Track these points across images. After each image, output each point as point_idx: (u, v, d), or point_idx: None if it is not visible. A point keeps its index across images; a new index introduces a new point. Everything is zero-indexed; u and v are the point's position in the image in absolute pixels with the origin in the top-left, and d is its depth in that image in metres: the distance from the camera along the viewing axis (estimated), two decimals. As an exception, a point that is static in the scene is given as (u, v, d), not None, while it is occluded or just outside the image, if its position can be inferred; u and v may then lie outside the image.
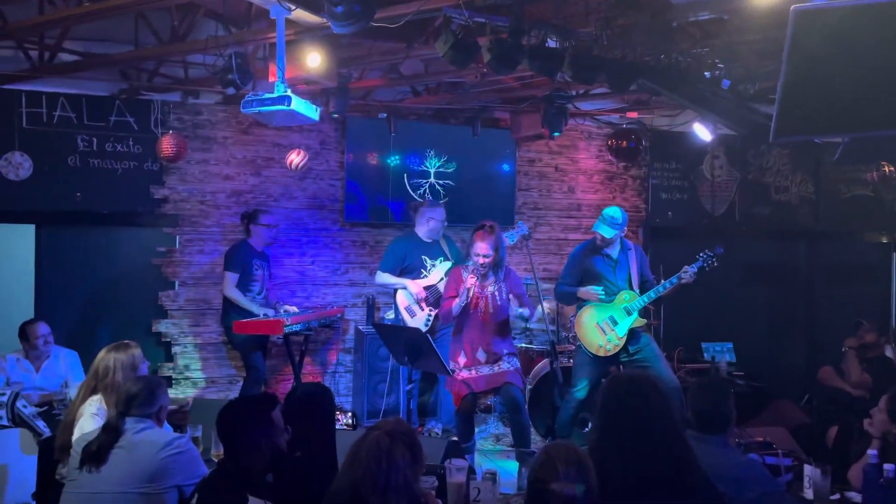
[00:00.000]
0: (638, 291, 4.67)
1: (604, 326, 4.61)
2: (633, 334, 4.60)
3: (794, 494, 2.86)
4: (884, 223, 7.82)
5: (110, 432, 2.66)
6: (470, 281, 4.27)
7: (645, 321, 4.70)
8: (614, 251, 4.70)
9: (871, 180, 6.74)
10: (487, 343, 4.34)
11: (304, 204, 6.12)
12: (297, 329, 5.14)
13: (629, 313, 4.59)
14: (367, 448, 1.92)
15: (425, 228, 5.34)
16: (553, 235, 6.85)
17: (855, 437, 3.84)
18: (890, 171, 6.48)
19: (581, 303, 4.73)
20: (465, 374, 4.33)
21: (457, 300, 4.27)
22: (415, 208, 5.61)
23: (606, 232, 4.61)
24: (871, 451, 2.91)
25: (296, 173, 5.90)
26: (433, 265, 5.30)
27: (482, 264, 4.25)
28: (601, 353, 4.60)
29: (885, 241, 7.87)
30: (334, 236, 6.21)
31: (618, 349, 4.58)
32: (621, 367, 4.79)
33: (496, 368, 4.34)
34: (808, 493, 2.92)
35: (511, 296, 4.39)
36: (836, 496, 2.93)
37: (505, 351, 4.39)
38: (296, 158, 5.57)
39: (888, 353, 5.98)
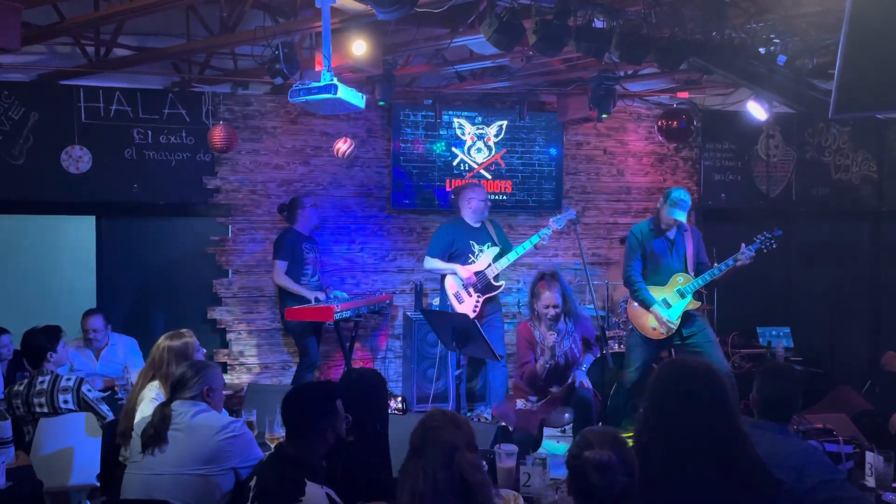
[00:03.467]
0: (693, 274, 4.58)
1: (656, 315, 4.53)
2: (687, 317, 4.52)
3: (855, 482, 2.76)
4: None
5: (160, 417, 2.73)
6: (551, 339, 4.06)
7: (699, 303, 4.63)
8: (672, 232, 4.62)
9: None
10: (562, 383, 4.26)
11: (351, 192, 6.17)
12: (347, 315, 5.21)
13: (682, 296, 4.53)
14: (468, 470, 2.05)
15: (469, 211, 5.30)
16: (602, 220, 6.76)
17: (921, 424, 3.71)
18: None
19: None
20: (537, 406, 4.15)
21: (540, 362, 4.09)
22: (456, 193, 5.60)
23: (683, 217, 4.52)
24: (938, 439, 2.80)
25: (343, 161, 5.95)
26: (481, 250, 5.28)
27: (553, 313, 4.10)
28: (654, 336, 4.55)
29: (953, 221, 7.52)
30: (382, 223, 6.25)
31: (671, 332, 4.52)
32: (674, 350, 4.73)
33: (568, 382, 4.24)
34: (870, 481, 2.83)
35: (585, 341, 4.28)
36: (900, 484, 2.83)
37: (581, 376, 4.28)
38: (342, 147, 5.61)
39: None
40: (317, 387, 2.62)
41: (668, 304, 4.54)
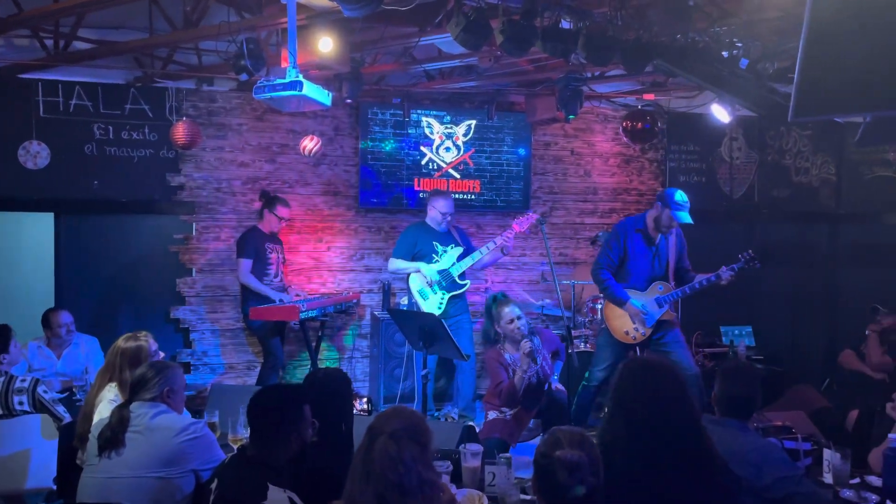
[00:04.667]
0: (672, 282, 4.55)
1: (631, 317, 4.53)
2: (659, 324, 4.52)
3: (813, 479, 2.82)
4: (907, 205, 7.68)
5: (117, 418, 2.67)
6: (527, 345, 3.90)
7: (674, 315, 4.59)
8: (658, 237, 4.55)
9: (894, 160, 6.59)
10: (537, 403, 4.21)
11: (319, 190, 6.12)
12: (314, 315, 5.17)
13: (660, 306, 4.49)
14: (379, 459, 1.89)
15: (429, 217, 5.36)
16: (569, 220, 6.80)
17: (876, 420, 3.79)
18: (913, 150, 6.34)
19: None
20: (505, 417, 4.09)
21: (518, 374, 3.93)
22: (427, 196, 5.61)
23: (689, 218, 4.41)
24: (893, 436, 2.86)
25: (311, 159, 5.90)
26: (444, 251, 5.30)
27: (521, 327, 4.03)
28: (625, 340, 4.56)
29: (908, 223, 7.73)
30: (349, 222, 6.22)
31: (643, 339, 4.52)
32: (638, 349, 4.76)
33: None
34: (828, 478, 2.89)
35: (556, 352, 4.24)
36: (856, 480, 2.89)
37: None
38: (309, 144, 5.56)
39: (910, 336, 5.89)
40: (285, 390, 2.58)
41: (646, 311, 4.50)
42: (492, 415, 4.13)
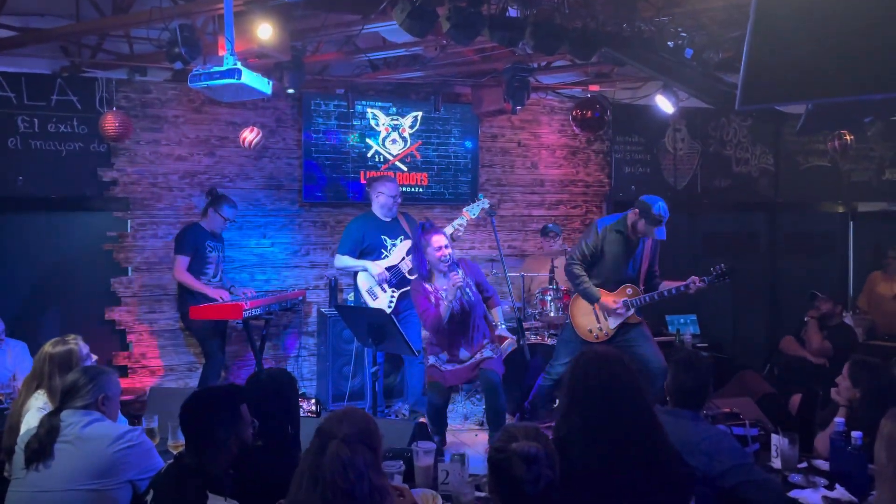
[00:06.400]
0: (642, 286, 4.52)
1: (598, 314, 4.52)
2: (624, 326, 4.50)
3: (762, 464, 2.85)
4: (841, 193, 7.96)
5: (47, 428, 2.53)
6: (455, 278, 4.11)
7: (639, 319, 4.52)
8: (636, 238, 4.46)
9: (831, 149, 6.80)
10: (468, 340, 4.30)
11: (260, 184, 5.96)
12: (258, 313, 5.02)
13: (627, 308, 4.46)
14: (330, 465, 1.81)
15: (377, 205, 5.26)
16: (517, 212, 6.80)
17: (819, 404, 3.89)
18: (850, 139, 6.55)
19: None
20: (447, 367, 4.29)
21: (444, 304, 4.15)
22: (369, 184, 5.52)
23: (664, 235, 4.34)
24: (838, 420, 2.92)
25: (252, 152, 5.74)
26: (394, 244, 5.21)
27: (448, 256, 4.19)
28: (589, 339, 4.54)
29: (842, 211, 8.02)
30: (293, 217, 6.08)
31: (606, 339, 4.49)
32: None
33: (478, 357, 4.30)
34: (776, 463, 2.93)
35: (481, 287, 4.34)
36: (804, 465, 2.94)
37: (486, 341, 4.35)
38: (249, 136, 5.41)
39: (847, 320, 6.10)
40: (217, 391, 2.46)
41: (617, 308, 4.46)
42: (431, 359, 4.31)
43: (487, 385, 4.21)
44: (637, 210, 4.38)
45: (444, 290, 4.21)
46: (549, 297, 5.50)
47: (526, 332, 4.98)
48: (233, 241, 5.77)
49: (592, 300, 4.46)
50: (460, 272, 4.17)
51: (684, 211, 7.18)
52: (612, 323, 4.49)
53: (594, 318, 4.53)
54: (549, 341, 5.27)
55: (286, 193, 6.04)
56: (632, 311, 4.46)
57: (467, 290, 4.21)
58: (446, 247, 4.19)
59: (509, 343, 5.25)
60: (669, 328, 6.53)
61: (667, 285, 4.47)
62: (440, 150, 6.40)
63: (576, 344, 4.53)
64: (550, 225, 6.22)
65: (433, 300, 4.20)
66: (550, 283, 5.55)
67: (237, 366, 5.88)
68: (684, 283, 4.38)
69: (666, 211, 4.33)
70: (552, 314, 5.45)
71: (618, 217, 4.53)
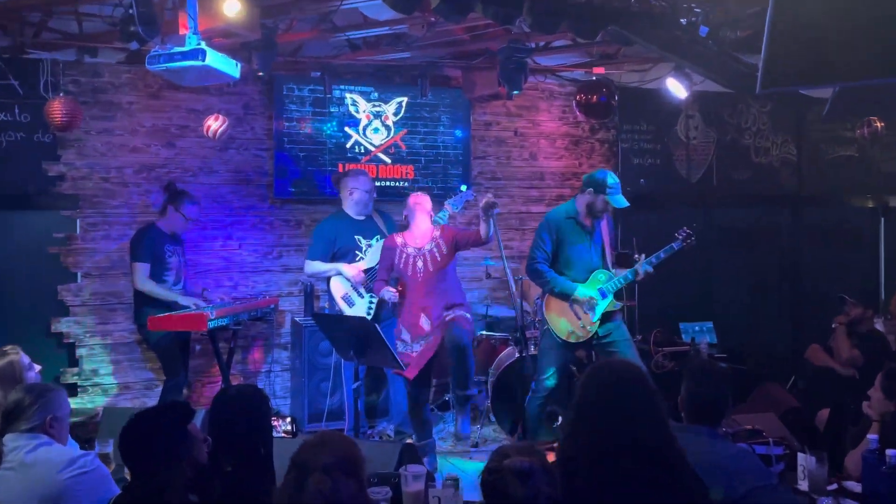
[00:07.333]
0: (612, 269, 4.64)
1: (577, 310, 4.58)
2: (604, 316, 4.59)
3: (788, 486, 2.87)
4: (870, 186, 8.01)
5: None
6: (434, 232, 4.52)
7: (620, 304, 4.68)
8: (589, 223, 4.61)
9: (859, 137, 6.85)
10: (431, 307, 4.42)
11: (226, 179, 5.95)
12: (224, 323, 4.99)
13: (604, 296, 4.57)
14: (311, 498, 1.80)
15: (351, 202, 5.28)
16: (514, 208, 6.81)
17: (849, 419, 3.92)
18: (880, 126, 6.59)
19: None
20: (410, 353, 4.42)
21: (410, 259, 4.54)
22: (337, 181, 5.51)
23: (625, 201, 4.56)
24: (871, 437, 2.94)
25: (216, 143, 5.72)
26: (369, 245, 5.22)
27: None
28: (571, 339, 4.60)
29: (871, 205, 8.07)
30: (264, 215, 6.07)
31: (590, 335, 4.58)
32: (593, 353, 4.81)
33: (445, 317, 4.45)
34: (804, 485, 2.94)
35: (457, 241, 4.53)
36: (834, 486, 2.96)
37: (453, 305, 4.50)
38: (214, 124, 5.39)
39: (878, 326, 6.14)
40: (160, 411, 2.45)
41: (594, 298, 4.57)
42: (399, 346, 4.48)
43: (452, 343, 4.33)
44: (590, 189, 4.54)
45: (415, 246, 4.54)
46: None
47: (528, 342, 5.01)
48: (195, 243, 5.75)
49: (569, 292, 4.55)
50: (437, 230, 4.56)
51: (699, 206, 7.23)
52: (593, 316, 4.56)
53: (573, 316, 4.60)
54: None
55: (255, 189, 6.03)
56: (609, 297, 4.58)
57: (433, 250, 4.52)
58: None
59: (508, 354, 5.27)
60: (683, 336, 6.54)
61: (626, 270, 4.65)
62: (428, 139, 6.40)
63: (558, 350, 4.62)
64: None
65: (397, 255, 4.50)
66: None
67: (201, 383, 5.87)
68: (655, 254, 4.59)
69: (615, 178, 4.56)
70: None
71: (563, 206, 4.74)
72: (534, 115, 6.88)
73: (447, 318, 4.43)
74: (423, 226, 4.57)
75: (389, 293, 4.50)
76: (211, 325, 4.80)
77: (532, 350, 5.28)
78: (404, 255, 4.54)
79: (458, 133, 6.50)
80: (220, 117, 5.46)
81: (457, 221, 6.20)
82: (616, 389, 2.20)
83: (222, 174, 5.94)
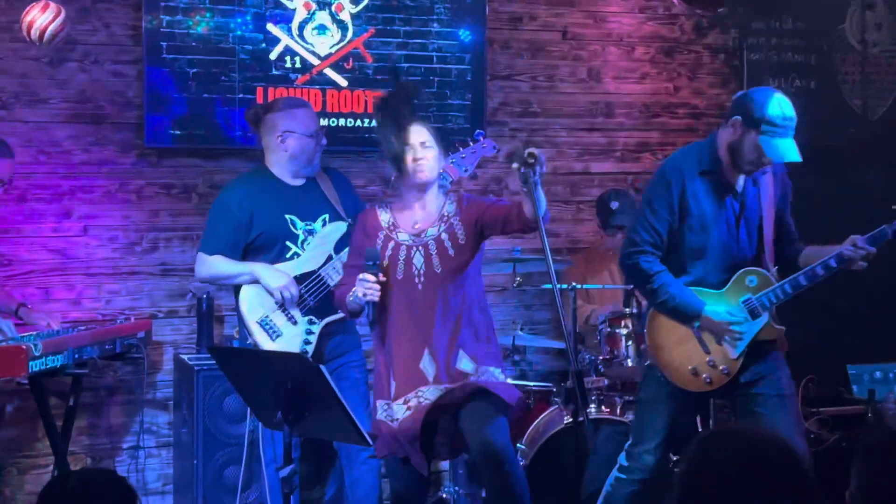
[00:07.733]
0: (773, 267, 4.60)
1: (706, 338, 4.54)
2: (755, 350, 4.54)
3: None
4: None
5: None
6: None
7: (782, 329, 4.59)
8: (741, 181, 4.53)
9: None
10: (436, 340, 4.34)
11: (64, 114, 6.04)
12: (58, 364, 4.99)
13: (755, 314, 4.52)
14: None
15: (281, 156, 5.25)
16: (561, 165, 6.86)
17: None
18: None
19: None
20: (390, 420, 4.34)
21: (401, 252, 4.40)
22: (255, 118, 5.43)
23: (794, 153, 4.38)
24: None
25: (46, 52, 5.78)
26: (310, 231, 5.22)
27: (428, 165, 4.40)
28: (693, 387, 4.58)
29: None
30: (128, 177, 6.15)
31: (727, 379, 4.54)
32: (723, 405, 4.84)
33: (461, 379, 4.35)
34: None
35: (484, 221, 4.43)
36: None
37: (481, 355, 4.40)
38: (40, 18, 5.36)
39: None
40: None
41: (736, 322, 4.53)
42: (379, 406, 4.44)
43: (481, 446, 4.27)
44: (737, 118, 4.43)
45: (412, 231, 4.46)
46: (624, 332, 5.54)
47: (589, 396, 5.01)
48: (9, 224, 5.80)
49: (692, 312, 4.51)
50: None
51: (882, 160, 7.21)
52: (734, 351, 4.52)
53: (698, 348, 4.56)
54: (625, 416, 5.33)
55: (113, 131, 6.11)
56: (765, 315, 4.51)
57: (444, 236, 4.43)
58: (424, 145, 4.38)
59: (553, 418, 5.27)
60: (854, 388, 6.55)
61: (814, 252, 4.55)
62: (412, 46, 6.48)
63: (670, 404, 4.62)
64: (614, 199, 6.18)
65: (381, 237, 4.47)
66: (627, 306, 5.59)
67: (18, 468, 5.92)
68: (840, 247, 4.40)
69: (790, 107, 4.40)
70: (630, 362, 5.47)
71: (695, 149, 4.68)
72: (596, 6, 6.94)
73: (469, 379, 4.32)
74: (425, 194, 4.49)
75: (365, 285, 4.34)
76: (34, 367, 4.78)
77: (592, 410, 5.28)
78: (391, 245, 4.46)
79: (465, 36, 6.55)
80: (52, 5, 5.44)
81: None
82: (745, 486, 2.20)
83: (56, 104, 6.01)
